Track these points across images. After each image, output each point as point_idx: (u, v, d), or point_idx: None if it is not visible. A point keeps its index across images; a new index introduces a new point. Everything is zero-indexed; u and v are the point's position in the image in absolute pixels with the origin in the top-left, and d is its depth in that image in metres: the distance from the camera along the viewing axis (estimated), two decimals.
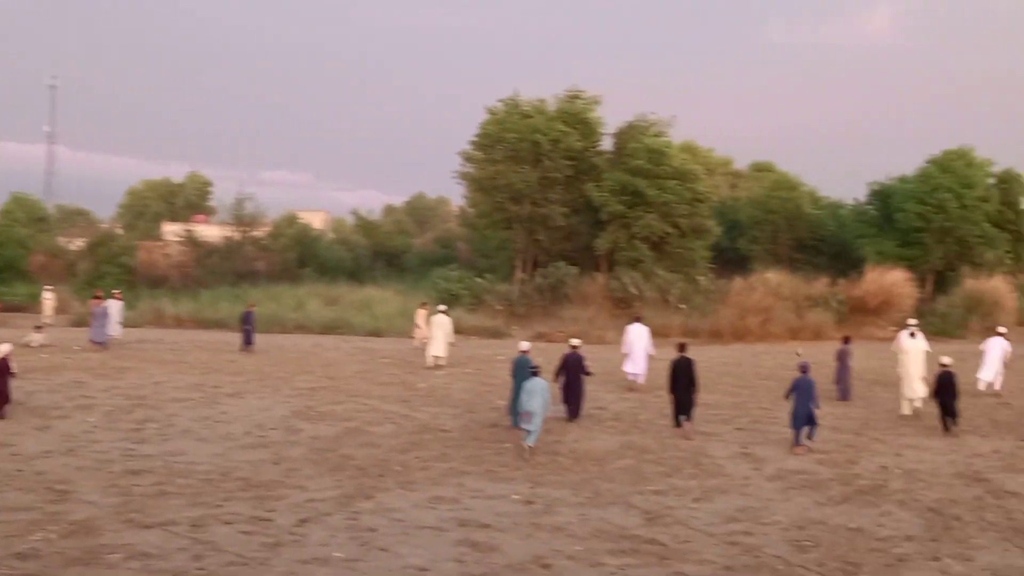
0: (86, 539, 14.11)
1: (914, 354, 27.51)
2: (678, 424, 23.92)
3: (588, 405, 26.08)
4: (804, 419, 22.22)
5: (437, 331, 35.39)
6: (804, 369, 22.59)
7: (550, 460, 20.34)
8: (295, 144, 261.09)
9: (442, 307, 37.43)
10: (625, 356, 31.11)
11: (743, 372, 35.88)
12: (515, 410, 22.99)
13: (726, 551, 14.44)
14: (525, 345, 25.48)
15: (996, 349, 32.01)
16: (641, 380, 30.52)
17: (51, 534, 14.26)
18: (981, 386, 31.38)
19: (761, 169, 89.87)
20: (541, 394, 21.14)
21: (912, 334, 28.29)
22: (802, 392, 22.18)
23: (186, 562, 13.34)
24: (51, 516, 15.22)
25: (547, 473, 19.21)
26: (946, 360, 24.90)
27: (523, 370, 23.01)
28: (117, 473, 18.22)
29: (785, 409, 25.29)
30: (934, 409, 24.77)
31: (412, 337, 41.71)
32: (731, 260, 66.45)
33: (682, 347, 25.22)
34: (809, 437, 22.31)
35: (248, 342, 39.46)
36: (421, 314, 41.06)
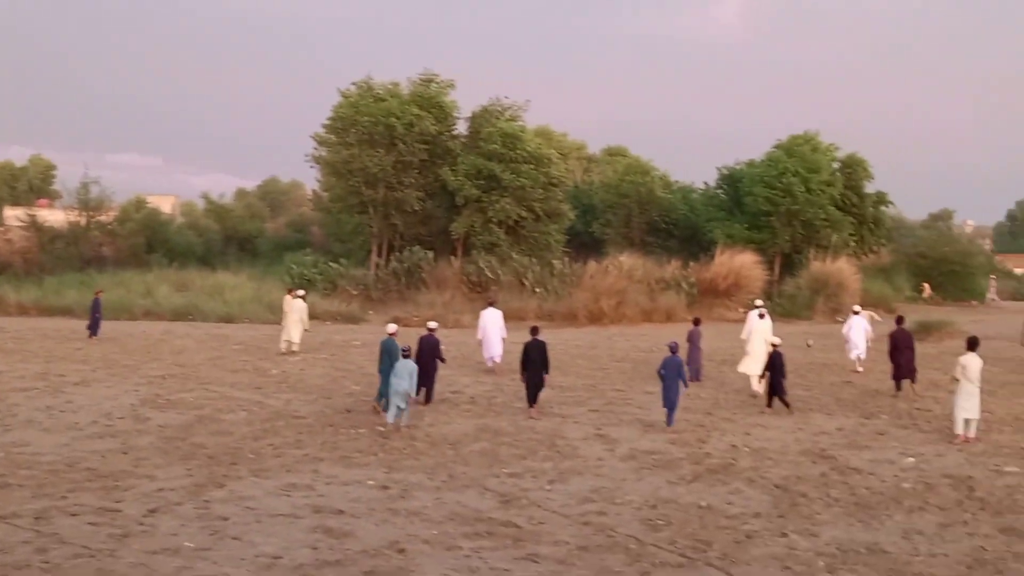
0: None
1: (761, 333, 28.22)
2: (532, 405, 24.19)
3: (444, 389, 26.10)
4: (671, 403, 22.76)
5: (291, 316, 34.99)
6: (674, 349, 23.19)
7: (406, 445, 20.26)
8: (144, 126, 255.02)
9: (300, 292, 36.95)
10: (480, 341, 31.24)
11: (597, 355, 36.28)
12: (384, 393, 22.86)
13: (580, 531, 14.56)
14: (392, 328, 25.29)
15: (859, 328, 33.11)
16: (497, 362, 30.69)
17: None
18: (859, 367, 32.59)
19: (614, 154, 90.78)
20: (410, 376, 21.47)
21: (761, 315, 29.02)
22: (671, 372, 22.74)
23: (29, 555, 12.92)
24: None
25: (402, 458, 19.13)
26: (776, 340, 25.63)
27: (391, 353, 22.88)
28: None
29: (638, 390, 25.71)
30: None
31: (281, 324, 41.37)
32: (585, 244, 67.09)
33: (535, 330, 25.52)
34: (669, 423, 22.71)
35: (94, 330, 38.49)
36: (288, 300, 40.67)
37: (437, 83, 62.26)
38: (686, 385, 23.27)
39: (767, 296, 57.60)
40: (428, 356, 24.74)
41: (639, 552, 13.69)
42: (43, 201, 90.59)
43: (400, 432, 21.24)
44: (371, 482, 17.19)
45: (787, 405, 24.83)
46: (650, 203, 69.79)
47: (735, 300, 56.28)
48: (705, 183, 72.92)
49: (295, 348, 34.62)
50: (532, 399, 24.26)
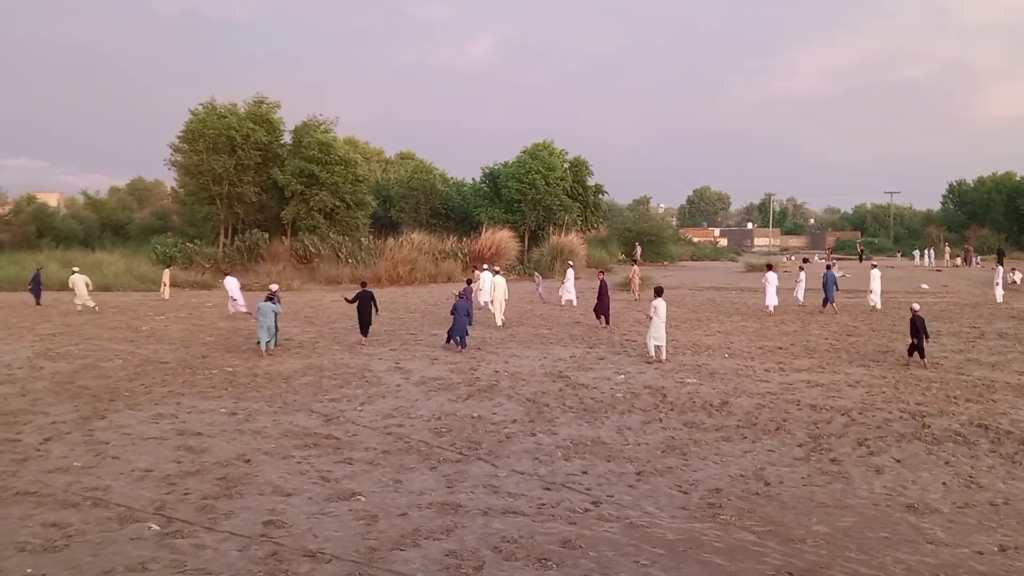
0: None
1: (501, 287, 30.17)
2: (363, 334, 25.83)
3: (280, 337, 25.58)
4: (462, 331, 24.39)
5: (81, 288, 34.33)
6: (463, 295, 25.47)
7: (249, 380, 19.75)
8: (33, 135, 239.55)
9: (75, 268, 36.69)
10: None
11: (395, 308, 36.12)
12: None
13: (384, 440, 14.54)
14: (274, 287, 26.36)
15: (772, 281, 34.56)
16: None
17: None
18: (564, 305, 33.62)
19: (405, 157, 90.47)
20: (272, 312, 23.50)
21: (496, 272, 31.17)
22: (460, 312, 24.52)
23: None
24: None
25: (247, 391, 18.66)
26: (915, 306, 22.97)
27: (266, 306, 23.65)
28: None
29: (426, 333, 25.75)
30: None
31: (160, 293, 40.09)
32: (385, 225, 66.66)
33: (364, 284, 27.62)
34: (463, 346, 24.18)
35: (37, 297, 37.28)
36: (167, 273, 40.23)
37: (267, 104, 60.53)
38: (470, 323, 24.85)
39: (519, 261, 58.97)
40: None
41: (428, 453, 13.77)
42: None
43: (262, 356, 21.25)
44: (223, 410, 16.72)
45: (923, 359, 21.91)
46: (433, 194, 69.89)
47: (497, 264, 57.19)
48: (473, 179, 73.37)
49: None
50: (364, 331, 25.79)
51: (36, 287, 37.58)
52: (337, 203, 57.57)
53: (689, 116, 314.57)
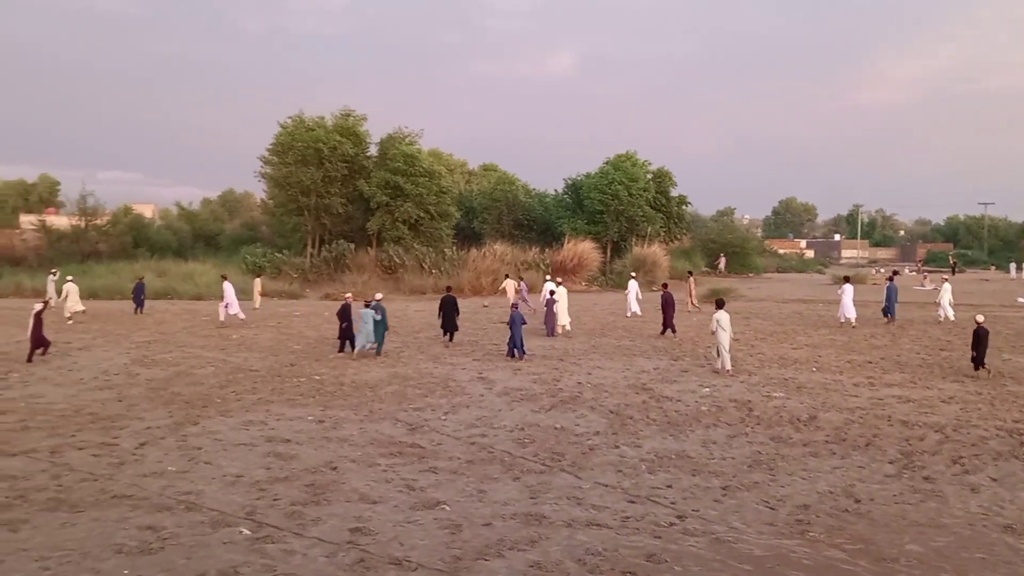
0: None
1: (564, 298, 31.06)
2: (446, 335, 28.11)
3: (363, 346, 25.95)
4: (519, 342, 24.81)
5: (74, 296, 35.18)
6: (515, 306, 25.67)
7: (336, 389, 20.07)
8: (127, 148, 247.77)
9: (70, 277, 37.44)
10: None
11: (478, 319, 36.32)
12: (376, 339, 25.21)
13: (468, 449, 14.62)
14: (379, 296, 27.21)
15: (849, 293, 34.14)
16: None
17: None
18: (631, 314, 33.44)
19: (488, 169, 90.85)
20: (371, 318, 24.69)
21: (559, 282, 33.57)
22: (516, 322, 24.93)
23: (47, 480, 12.54)
24: None
25: (334, 399, 18.96)
26: (980, 318, 22.83)
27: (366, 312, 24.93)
28: None
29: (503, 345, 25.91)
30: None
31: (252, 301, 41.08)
32: (468, 236, 66.95)
33: (448, 288, 30.21)
34: (522, 356, 24.72)
35: (139, 306, 38.42)
36: (258, 283, 41.63)
37: (354, 117, 61.46)
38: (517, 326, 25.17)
39: (601, 272, 58.85)
40: (346, 319, 26.06)
41: (511, 463, 13.80)
42: (51, 209, 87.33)
43: (359, 358, 21.52)
44: (310, 417, 17.01)
45: (984, 370, 21.97)
46: (516, 205, 69.91)
47: (579, 275, 57.26)
48: (555, 190, 73.24)
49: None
50: (449, 335, 28.09)
51: (139, 296, 38.80)
52: (421, 214, 58.12)
53: (773, 127, 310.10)
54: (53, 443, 14.72)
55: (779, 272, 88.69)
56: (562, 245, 59.86)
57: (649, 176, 67.09)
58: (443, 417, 17.17)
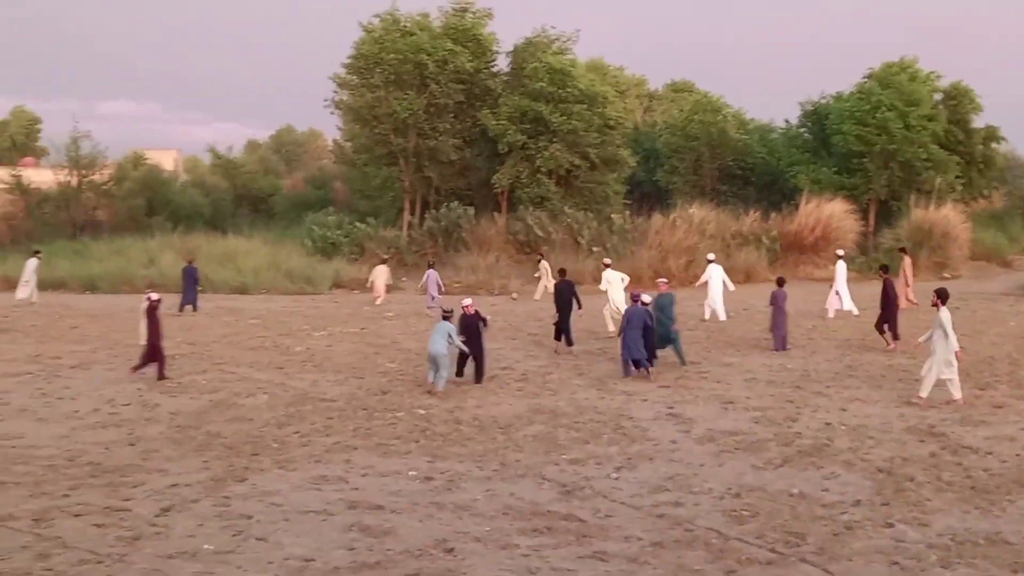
0: None
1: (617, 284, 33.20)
2: (558, 340, 29.68)
3: (492, 364, 26.19)
4: (638, 351, 25.22)
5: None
6: (636, 298, 26.00)
7: (451, 429, 20.36)
8: (138, 69, 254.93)
9: (38, 249, 40.08)
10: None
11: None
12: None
13: (653, 525, 14.57)
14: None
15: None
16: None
17: None
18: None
19: (679, 90, 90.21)
20: (447, 335, 24.07)
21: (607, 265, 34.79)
22: (634, 323, 25.24)
23: (30, 562, 13.10)
24: None
25: (447, 444, 19.22)
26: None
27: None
28: None
29: (715, 362, 25.65)
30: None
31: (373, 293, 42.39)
32: (649, 194, 66.75)
33: (563, 272, 32.16)
34: (647, 370, 25.54)
35: (190, 302, 40.23)
36: (383, 271, 43.43)
37: (473, 13, 61.87)
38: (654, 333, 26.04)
39: (861, 250, 57.33)
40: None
41: (722, 548, 13.69)
42: (28, 159, 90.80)
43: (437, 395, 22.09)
44: (412, 473, 17.29)
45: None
46: (722, 146, 69.11)
47: (824, 255, 55.87)
48: (786, 121, 72.02)
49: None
50: (565, 338, 29.56)
51: (190, 287, 40.50)
52: (576, 161, 58.17)
53: None
54: (38, 506, 15.37)
55: None
56: (796, 207, 58.83)
57: (938, 98, 65.35)
58: (614, 474, 17.18)
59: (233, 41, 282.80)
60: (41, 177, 71.97)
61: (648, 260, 51.50)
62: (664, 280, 31.28)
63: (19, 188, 68.91)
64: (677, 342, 27.13)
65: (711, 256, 39.32)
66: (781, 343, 29.68)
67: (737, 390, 23.99)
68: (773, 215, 58.68)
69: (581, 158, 58.18)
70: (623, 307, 31.05)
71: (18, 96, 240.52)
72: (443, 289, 41.58)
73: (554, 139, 57.38)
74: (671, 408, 22.14)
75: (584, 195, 58.70)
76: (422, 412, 21.84)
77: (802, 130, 68.61)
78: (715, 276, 37.44)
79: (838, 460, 18.00)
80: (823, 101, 67.19)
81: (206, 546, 13.70)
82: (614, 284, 32.87)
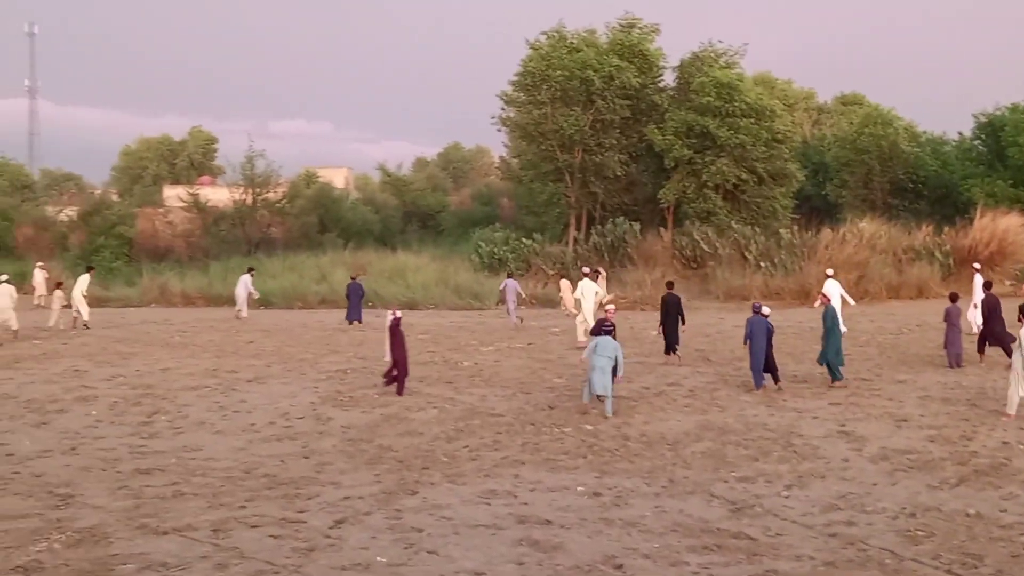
0: (94, 549, 14.18)
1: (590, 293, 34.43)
2: (668, 353, 30.50)
3: (658, 381, 26.15)
4: (764, 362, 25.74)
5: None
6: (757, 309, 25.93)
7: (618, 445, 20.33)
8: (310, 89, 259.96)
9: (3, 277, 38.92)
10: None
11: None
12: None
13: (825, 544, 14.36)
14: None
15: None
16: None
17: (55, 544, 14.34)
18: None
19: (849, 103, 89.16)
20: (615, 353, 23.55)
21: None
22: (758, 333, 25.61)
23: (208, 572, 13.40)
24: (54, 523, 15.30)
25: (615, 460, 19.19)
26: None
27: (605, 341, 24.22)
28: (126, 473, 18.40)
29: (887, 379, 25.20)
30: None
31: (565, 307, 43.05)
32: (817, 209, 66.11)
33: (670, 285, 32.47)
34: (776, 382, 25.94)
35: (355, 317, 41.30)
36: (565, 284, 43.45)
37: (640, 29, 62.05)
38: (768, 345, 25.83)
39: None
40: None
41: (896, 568, 13.44)
42: (205, 178, 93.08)
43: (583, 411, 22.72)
44: (580, 488, 17.29)
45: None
46: (894, 159, 68.15)
47: (1000, 271, 54.55)
48: (960, 133, 70.86)
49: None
50: (671, 349, 30.47)
51: (355, 302, 41.45)
52: (743, 175, 57.88)
53: None
54: (216, 517, 15.74)
55: None
56: (971, 221, 57.53)
57: None
58: (784, 493, 16.97)
59: (402, 61, 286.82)
60: (218, 195, 73.96)
61: (817, 275, 50.63)
62: (826, 295, 30.95)
63: (197, 206, 70.96)
64: (827, 355, 26.72)
65: (830, 272, 39.14)
66: (955, 360, 29.05)
67: (910, 408, 23.53)
68: (946, 229, 57.50)
69: (748, 172, 57.89)
70: (591, 318, 32.66)
71: (196, 117, 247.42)
72: (524, 298, 41.99)
73: (721, 153, 57.21)
74: (842, 426, 21.81)
75: (751, 210, 58.34)
76: (589, 428, 21.85)
77: (976, 142, 67.26)
78: (833, 292, 36.94)
79: (1016, 480, 17.53)
80: (998, 113, 65.72)
81: (379, 558, 13.88)
82: (587, 294, 34.09)
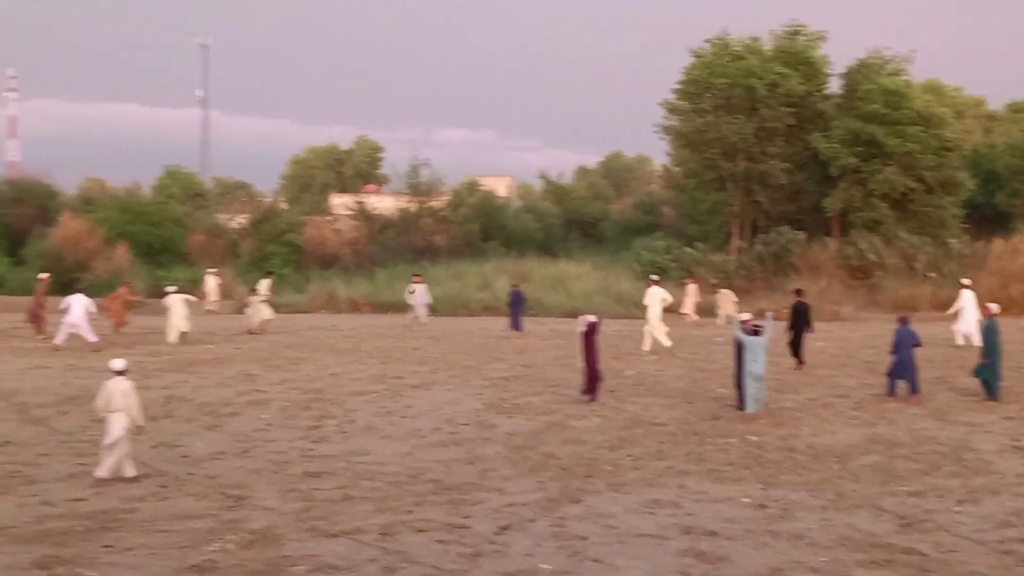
0: (266, 550, 14.48)
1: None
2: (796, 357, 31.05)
3: (824, 392, 25.87)
4: (903, 370, 25.91)
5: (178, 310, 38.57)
6: (904, 321, 26.20)
7: (784, 457, 20.13)
8: (475, 99, 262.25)
9: (172, 288, 40.00)
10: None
11: (1010, 351, 34.74)
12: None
13: (1000, 561, 14.04)
14: (745, 316, 26.84)
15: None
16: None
17: (229, 544, 14.66)
18: None
19: (1020, 110, 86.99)
20: (763, 352, 24.56)
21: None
22: (906, 343, 25.77)
23: (376, 575, 13.59)
24: (227, 524, 15.66)
25: (780, 472, 19.00)
26: None
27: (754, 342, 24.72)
28: (296, 476, 18.77)
29: None
30: None
31: (685, 314, 43.16)
32: (988, 218, 64.57)
33: (799, 292, 33.36)
34: (915, 394, 25.81)
35: (516, 325, 41.95)
36: (691, 289, 44.06)
37: (805, 35, 61.44)
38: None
39: None
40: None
41: None
42: (371, 187, 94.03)
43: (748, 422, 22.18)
44: (745, 499, 17.16)
45: None
46: None
47: None
48: None
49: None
50: (797, 357, 30.92)
51: (516, 310, 41.80)
52: (912, 184, 56.85)
53: None
54: (384, 521, 15.94)
55: None
56: None
57: None
58: (956, 508, 16.62)
59: (563, 70, 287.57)
60: (383, 204, 74.98)
61: (988, 286, 49.64)
62: (994, 304, 30.25)
63: (363, 214, 71.94)
64: (985, 371, 26.16)
65: (966, 281, 39.27)
66: None
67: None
68: None
69: (916, 181, 56.86)
70: (658, 324, 33.83)
71: (363, 126, 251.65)
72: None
73: (888, 162, 56.33)
74: (1016, 441, 21.31)
75: (919, 219, 57.32)
76: (754, 439, 21.67)
77: None
78: (969, 302, 36.92)
79: None
80: None
81: (544, 565, 13.92)
82: (653, 301, 34.43)
